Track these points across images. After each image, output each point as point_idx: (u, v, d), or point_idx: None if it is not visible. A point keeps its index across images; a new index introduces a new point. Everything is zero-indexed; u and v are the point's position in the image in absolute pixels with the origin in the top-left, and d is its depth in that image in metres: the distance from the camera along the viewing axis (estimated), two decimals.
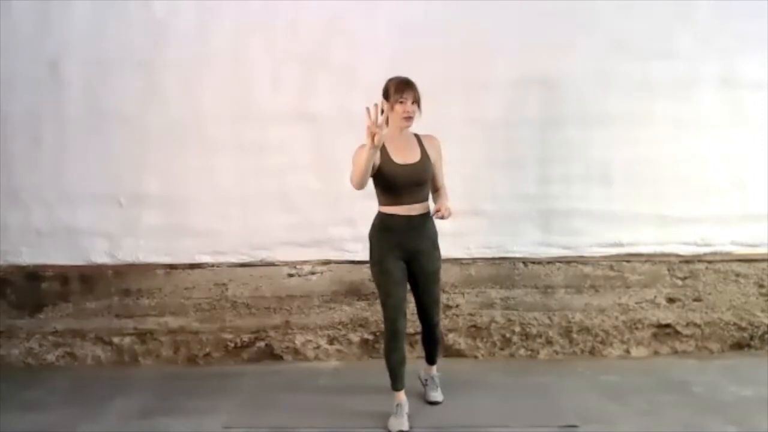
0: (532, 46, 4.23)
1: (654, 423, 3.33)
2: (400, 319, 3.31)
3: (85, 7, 4.34)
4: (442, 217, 3.21)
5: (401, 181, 3.25)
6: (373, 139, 3.00)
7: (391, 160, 3.25)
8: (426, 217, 3.35)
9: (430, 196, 3.41)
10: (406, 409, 3.37)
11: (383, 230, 3.34)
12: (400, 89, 3.23)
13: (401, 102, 3.22)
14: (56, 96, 4.39)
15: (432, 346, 3.65)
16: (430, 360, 3.72)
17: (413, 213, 3.30)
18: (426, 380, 3.72)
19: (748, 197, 4.28)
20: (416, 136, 3.37)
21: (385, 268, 3.31)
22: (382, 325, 4.27)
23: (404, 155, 3.27)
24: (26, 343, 4.46)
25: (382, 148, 3.19)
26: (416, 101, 3.25)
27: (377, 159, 3.18)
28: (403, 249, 3.32)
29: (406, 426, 3.29)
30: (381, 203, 3.36)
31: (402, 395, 3.40)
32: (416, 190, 3.29)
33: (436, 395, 3.65)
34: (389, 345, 3.33)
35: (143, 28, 4.34)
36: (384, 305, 3.34)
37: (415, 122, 3.32)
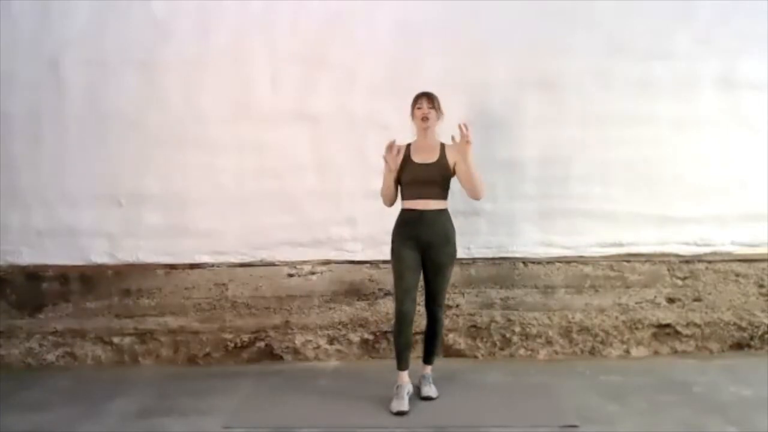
0: (532, 46, 4.23)
1: (654, 423, 3.33)
2: (407, 302, 3.54)
3: (85, 7, 4.35)
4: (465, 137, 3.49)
5: (417, 178, 3.56)
6: (388, 164, 3.54)
7: (411, 159, 3.60)
8: (440, 213, 3.59)
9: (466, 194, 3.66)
10: (406, 389, 3.56)
11: (401, 223, 3.62)
12: (415, 98, 3.64)
13: (418, 108, 3.61)
14: (56, 96, 4.39)
15: (431, 341, 3.74)
16: (427, 359, 3.78)
17: (427, 208, 3.57)
18: (419, 378, 3.75)
19: (748, 197, 4.27)
20: (442, 144, 3.64)
21: (400, 254, 3.58)
22: (382, 326, 4.35)
23: (423, 156, 3.60)
24: (26, 343, 4.47)
25: (406, 150, 3.62)
26: (433, 107, 3.60)
27: (399, 161, 3.58)
28: (418, 240, 3.56)
29: (405, 407, 3.45)
30: (402, 198, 3.64)
31: (404, 376, 3.59)
32: (431, 187, 3.57)
33: (430, 390, 3.69)
34: (396, 327, 3.58)
35: (143, 28, 4.34)
36: (395, 288, 3.60)
37: (438, 126, 3.61)
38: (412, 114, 3.63)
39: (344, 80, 4.31)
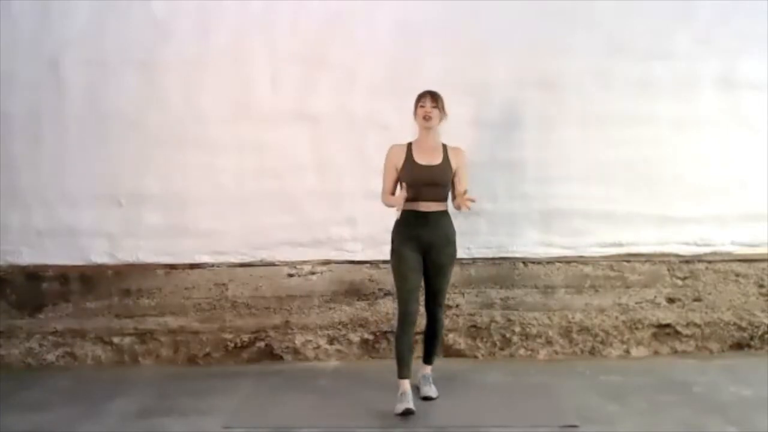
0: (532, 46, 4.23)
1: (654, 423, 3.33)
2: (411, 302, 3.51)
3: (85, 7, 4.35)
4: (468, 207, 3.43)
5: (420, 180, 3.50)
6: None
7: (414, 161, 3.54)
8: (442, 215, 3.57)
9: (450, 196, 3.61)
10: (410, 397, 3.45)
11: (402, 224, 3.56)
12: (419, 96, 3.57)
13: (421, 106, 3.55)
14: (56, 96, 4.39)
15: (431, 341, 3.74)
16: (427, 359, 3.78)
17: (429, 209, 3.53)
18: (419, 378, 3.75)
19: (748, 197, 4.27)
20: (444, 145, 3.61)
21: (402, 255, 3.55)
22: (382, 326, 4.34)
23: (427, 158, 3.55)
24: (26, 343, 4.46)
25: (408, 151, 3.57)
26: (437, 107, 3.54)
27: (401, 162, 3.55)
28: (419, 241, 3.54)
29: (411, 404, 3.39)
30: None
31: (407, 384, 3.49)
32: (433, 189, 3.52)
33: (430, 390, 3.68)
34: (400, 327, 3.52)
35: (143, 28, 4.34)
36: (398, 289, 3.56)
37: (441, 127, 3.58)
38: (415, 112, 3.57)
39: (344, 80, 4.31)
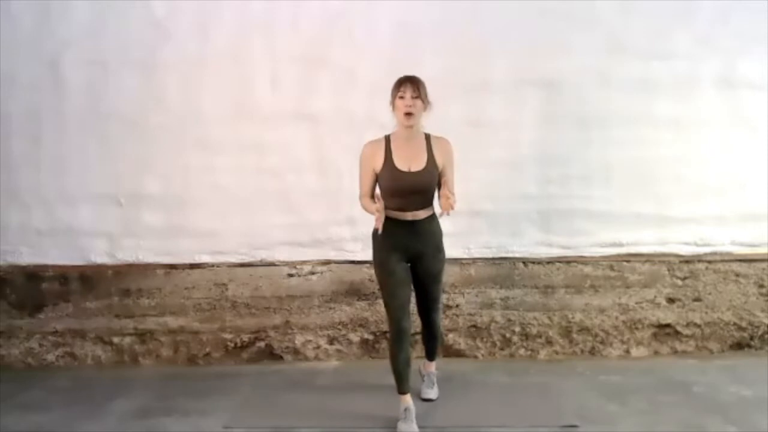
0: (532, 46, 4.23)
1: (654, 423, 3.33)
2: (404, 318, 3.28)
3: (84, 7, 4.34)
4: (448, 212, 3.05)
5: (404, 189, 3.22)
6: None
7: (395, 167, 3.21)
8: (430, 221, 3.32)
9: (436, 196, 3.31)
10: (413, 412, 3.30)
11: (387, 232, 3.21)
12: (398, 84, 3.19)
13: (401, 97, 3.17)
14: (56, 96, 4.39)
15: (431, 342, 3.68)
16: (429, 356, 3.75)
17: (417, 218, 3.27)
18: (423, 377, 3.74)
19: (748, 197, 4.28)
20: (427, 137, 3.30)
21: (390, 268, 3.28)
22: (382, 326, 4.32)
23: (409, 162, 3.22)
24: (26, 343, 4.46)
25: (386, 151, 3.22)
26: (419, 97, 3.16)
27: (379, 164, 3.21)
28: (407, 251, 3.31)
29: (416, 429, 3.24)
30: (385, 206, 3.25)
31: (408, 398, 3.34)
32: (419, 196, 3.26)
33: (430, 393, 3.66)
34: (394, 345, 3.29)
35: (143, 28, 4.34)
36: (388, 305, 3.32)
37: (424, 119, 3.30)
38: (393, 103, 3.20)
39: (344, 80, 4.31)
